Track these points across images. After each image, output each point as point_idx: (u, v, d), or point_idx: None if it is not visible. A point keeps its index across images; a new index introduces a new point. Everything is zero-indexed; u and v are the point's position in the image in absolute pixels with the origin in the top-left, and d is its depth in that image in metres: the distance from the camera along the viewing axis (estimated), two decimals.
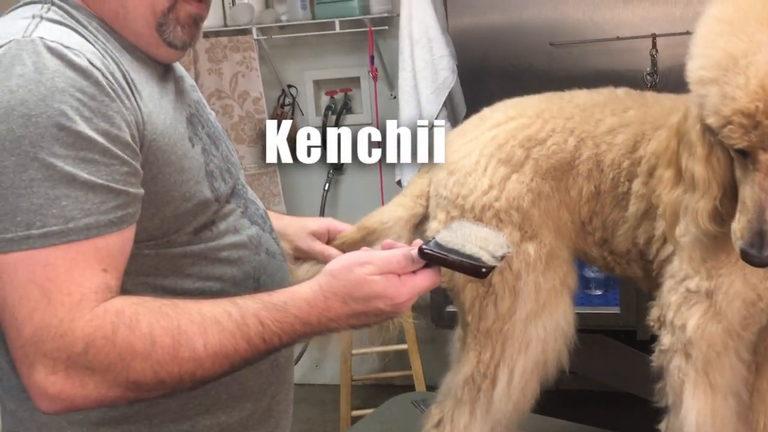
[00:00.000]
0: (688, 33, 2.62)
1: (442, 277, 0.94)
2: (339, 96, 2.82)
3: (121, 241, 0.84)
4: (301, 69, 2.83)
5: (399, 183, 2.33)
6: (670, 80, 2.51)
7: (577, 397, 2.26)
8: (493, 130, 1.19)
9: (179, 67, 1.09)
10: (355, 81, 2.79)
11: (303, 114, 2.87)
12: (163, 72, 1.00)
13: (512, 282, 1.16)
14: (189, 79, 1.10)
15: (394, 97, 2.48)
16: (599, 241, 1.21)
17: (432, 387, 1.61)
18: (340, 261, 0.91)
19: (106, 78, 0.84)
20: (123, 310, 0.81)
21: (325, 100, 2.85)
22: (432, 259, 0.88)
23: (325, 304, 0.88)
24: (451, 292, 1.25)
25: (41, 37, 0.82)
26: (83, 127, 0.80)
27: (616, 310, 2.16)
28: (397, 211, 1.23)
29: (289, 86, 2.83)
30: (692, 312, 1.06)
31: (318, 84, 2.85)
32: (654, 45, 2.40)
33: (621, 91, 1.25)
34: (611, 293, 2.25)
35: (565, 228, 1.19)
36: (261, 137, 2.85)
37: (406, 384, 2.56)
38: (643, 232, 1.14)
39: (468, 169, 1.16)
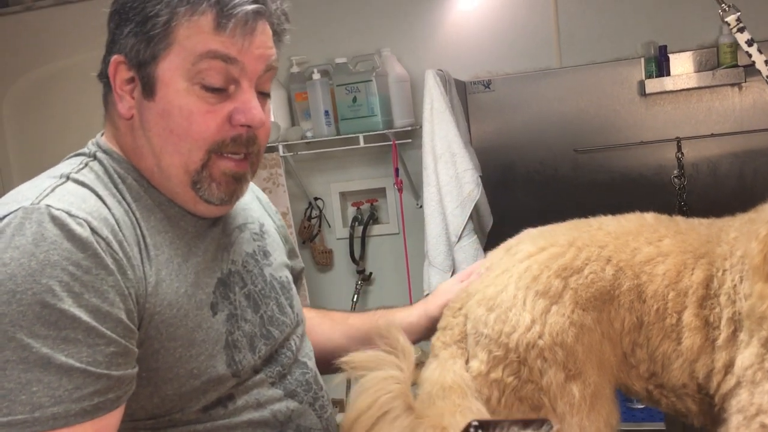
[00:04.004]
0: (712, 135, 2.62)
1: None
2: (365, 207, 2.83)
3: (94, 431, 0.78)
4: (327, 181, 2.86)
5: (427, 296, 2.29)
6: (698, 181, 2.51)
7: None
8: (525, 261, 1.15)
9: (246, 214, 1.05)
10: (381, 191, 2.81)
11: (330, 226, 2.88)
12: (207, 225, 0.96)
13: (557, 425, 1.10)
14: (256, 226, 1.06)
15: (420, 207, 2.49)
16: (645, 374, 1.15)
17: None
18: None
19: (110, 248, 0.82)
20: None
21: (351, 211, 2.87)
22: None
23: None
24: None
25: (48, 205, 0.81)
26: (69, 305, 0.76)
27: (661, 426, 2.07)
28: (456, 366, 1.17)
29: (316, 199, 2.86)
30: None
31: (344, 196, 2.87)
32: (679, 148, 2.41)
33: (650, 217, 1.22)
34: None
35: (608, 362, 1.13)
36: None
37: None
38: (702, 366, 1.08)
39: (507, 304, 1.12)
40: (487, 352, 1.11)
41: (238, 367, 0.91)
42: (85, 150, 0.95)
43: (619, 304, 1.12)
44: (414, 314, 1.23)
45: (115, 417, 0.80)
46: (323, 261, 2.88)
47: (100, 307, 0.78)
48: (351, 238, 2.81)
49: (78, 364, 0.76)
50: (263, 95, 0.96)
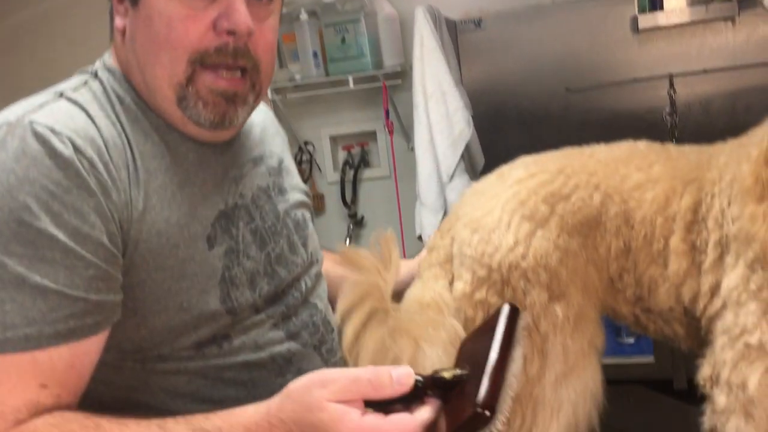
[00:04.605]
0: (704, 71, 2.61)
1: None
2: (356, 150, 2.82)
3: (71, 355, 0.75)
4: (316, 126, 2.84)
5: (420, 238, 2.30)
6: (690, 119, 2.49)
7: None
8: (514, 186, 1.16)
9: (265, 147, 0.99)
10: (372, 135, 2.78)
11: (321, 170, 2.86)
12: (214, 153, 0.90)
13: (540, 344, 1.12)
14: (274, 161, 0.99)
15: (412, 149, 2.47)
16: (631, 299, 1.16)
17: None
18: (303, 378, 0.74)
19: (94, 168, 0.78)
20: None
21: (342, 155, 2.85)
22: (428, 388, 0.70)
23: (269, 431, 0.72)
24: None
25: (32, 121, 0.77)
26: (46, 224, 0.73)
27: (650, 359, 2.10)
28: (437, 286, 1.17)
29: (306, 143, 2.84)
30: (753, 369, 1.00)
31: (334, 140, 2.85)
32: (671, 85, 2.39)
33: (642, 145, 1.22)
34: (644, 341, 2.18)
35: (593, 286, 1.15)
36: None
37: None
38: (688, 289, 1.10)
39: (491, 226, 1.13)
40: (471, 273, 1.13)
41: (234, 304, 0.87)
42: (90, 67, 0.91)
43: (605, 230, 1.13)
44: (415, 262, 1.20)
45: (94, 344, 0.78)
46: (314, 206, 2.86)
47: (79, 228, 0.75)
48: (342, 182, 2.80)
49: (53, 286, 0.73)
50: (262, 3, 0.87)
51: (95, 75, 0.89)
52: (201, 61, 0.83)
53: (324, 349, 0.97)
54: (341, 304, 0.90)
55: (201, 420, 0.75)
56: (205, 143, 0.90)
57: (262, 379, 0.90)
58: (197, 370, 0.86)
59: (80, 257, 0.75)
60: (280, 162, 1.04)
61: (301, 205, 1.05)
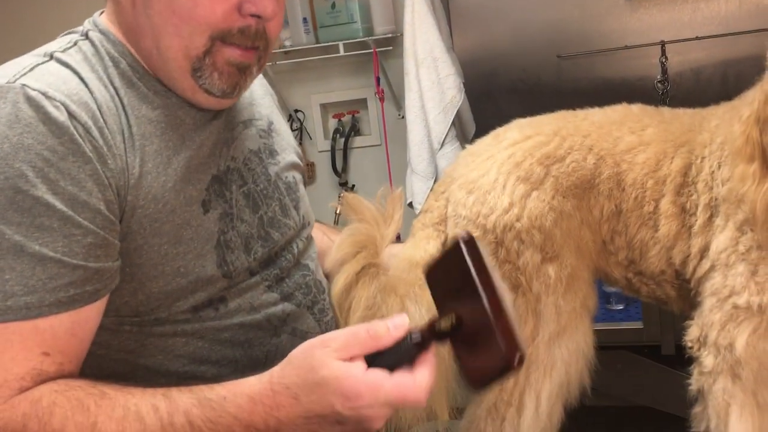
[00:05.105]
0: (697, 38, 2.60)
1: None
2: (347, 118, 2.80)
3: (71, 323, 0.75)
4: (307, 93, 2.81)
5: (410, 205, 2.30)
6: (681, 86, 2.49)
7: (601, 414, 2.20)
8: (509, 148, 1.17)
9: (254, 110, 0.99)
10: (362, 103, 2.76)
11: (311, 138, 2.85)
12: (206, 117, 0.90)
13: (533, 304, 1.13)
14: (264, 123, 0.99)
15: (402, 117, 2.46)
16: (624, 262, 1.17)
17: (458, 413, 1.57)
18: (304, 344, 0.74)
19: (89, 134, 0.77)
20: (41, 399, 0.72)
21: (333, 123, 2.83)
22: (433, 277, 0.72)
23: (273, 400, 0.71)
24: None
25: (24, 84, 0.76)
26: (43, 191, 0.73)
27: (638, 324, 2.12)
28: (428, 246, 1.17)
29: (296, 111, 2.82)
30: (741, 329, 1.01)
31: (325, 107, 2.83)
32: (663, 52, 2.38)
33: (636, 108, 1.22)
34: (633, 307, 2.20)
35: (586, 248, 1.16)
36: None
37: (430, 411, 2.51)
38: (678, 252, 1.10)
39: (487, 187, 1.13)
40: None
41: (230, 268, 0.88)
42: (81, 27, 0.89)
43: (598, 192, 1.13)
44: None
45: (94, 311, 0.78)
46: (305, 174, 2.87)
47: (76, 195, 0.75)
48: (333, 150, 2.79)
49: (52, 254, 0.73)
50: None
51: (85, 35, 0.87)
52: (222, 38, 0.84)
53: (316, 309, 0.98)
54: (336, 253, 0.91)
55: (205, 390, 0.75)
56: (203, 109, 0.90)
57: (257, 340, 0.90)
58: (194, 332, 0.86)
59: (78, 225, 0.75)
60: (270, 123, 1.03)
61: (292, 167, 1.05)
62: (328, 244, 1.14)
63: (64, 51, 0.84)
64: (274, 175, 0.98)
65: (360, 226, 0.93)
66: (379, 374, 0.70)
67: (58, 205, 0.73)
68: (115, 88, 0.83)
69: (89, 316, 0.77)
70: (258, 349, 0.88)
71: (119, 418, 0.72)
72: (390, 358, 0.71)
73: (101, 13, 0.91)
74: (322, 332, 0.92)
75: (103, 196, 0.77)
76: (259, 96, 1.05)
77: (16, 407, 0.72)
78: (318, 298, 0.99)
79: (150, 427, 0.72)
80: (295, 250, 0.99)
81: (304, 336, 0.91)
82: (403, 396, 0.69)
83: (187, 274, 0.84)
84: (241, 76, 0.87)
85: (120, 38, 0.87)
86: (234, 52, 0.85)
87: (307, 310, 0.96)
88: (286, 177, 1.01)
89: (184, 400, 0.74)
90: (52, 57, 0.82)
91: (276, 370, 0.73)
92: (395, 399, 0.69)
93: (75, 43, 0.85)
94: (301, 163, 1.10)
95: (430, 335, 0.71)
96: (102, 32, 0.87)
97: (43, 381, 0.74)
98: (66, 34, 0.89)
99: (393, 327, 0.71)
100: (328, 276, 1.02)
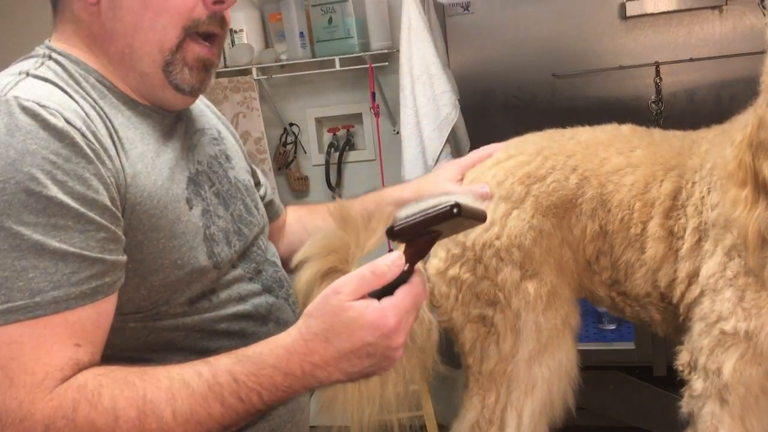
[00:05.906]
0: (691, 60, 2.61)
1: (442, 317, 0.85)
2: (341, 133, 2.80)
3: (96, 314, 0.79)
4: (302, 107, 2.82)
5: None
6: (675, 107, 2.50)
7: None
8: (493, 168, 1.18)
9: (203, 120, 1.06)
10: (357, 117, 2.77)
11: (306, 152, 2.85)
12: (171, 126, 0.96)
13: (513, 321, 1.13)
14: (214, 132, 1.07)
15: (397, 133, 2.46)
16: (608, 282, 1.17)
17: (444, 428, 1.57)
18: (315, 299, 0.81)
19: (85, 138, 0.81)
20: (86, 383, 0.76)
21: (327, 137, 2.83)
22: (404, 233, 0.79)
23: (306, 347, 0.77)
24: (451, 333, 1.21)
25: (16, 96, 0.79)
26: (55, 192, 0.76)
27: (630, 345, 2.11)
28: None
29: (291, 125, 2.82)
30: (728, 355, 1.01)
31: (320, 121, 2.83)
32: (657, 73, 2.39)
33: (626, 128, 1.22)
34: (625, 327, 2.19)
35: (568, 267, 1.16)
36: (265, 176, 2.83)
37: (417, 425, 2.50)
38: (664, 275, 1.10)
39: None
40: (445, 251, 1.15)
41: (218, 259, 0.93)
42: (37, 52, 0.92)
43: (581, 212, 1.13)
44: (407, 190, 1.24)
45: (111, 303, 0.82)
46: (299, 187, 2.87)
47: (85, 194, 0.78)
48: (327, 164, 2.79)
49: (72, 249, 0.76)
50: None
51: (49, 57, 0.90)
52: (194, 29, 0.91)
53: (290, 301, 1.04)
54: (305, 249, 0.95)
55: (242, 350, 0.80)
56: (166, 116, 0.96)
57: (249, 329, 0.96)
58: (193, 325, 0.91)
59: (91, 221, 0.78)
60: (219, 132, 1.10)
61: (246, 171, 1.12)
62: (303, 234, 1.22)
63: (37, 69, 0.87)
64: (233, 178, 1.05)
65: (337, 231, 0.95)
66: (391, 299, 0.78)
67: (71, 203, 0.77)
68: (93, 99, 0.88)
69: (108, 307, 0.81)
70: (251, 338, 0.91)
71: (167, 387, 0.76)
72: (390, 286, 0.80)
73: (49, 40, 0.95)
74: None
75: (107, 194, 0.81)
76: (201, 108, 1.11)
77: (62, 395, 0.74)
78: (289, 291, 1.06)
79: (198, 389, 0.76)
80: (263, 246, 1.06)
81: (285, 325, 0.93)
82: (415, 299, 0.79)
83: (183, 266, 0.89)
84: (206, 73, 0.95)
85: (81, 57, 0.91)
86: (202, 49, 0.92)
87: (284, 301, 1.02)
88: (244, 180, 1.08)
89: (223, 361, 0.79)
90: (28, 74, 0.86)
91: (300, 324, 0.79)
92: (412, 305, 0.79)
93: (42, 63, 0.89)
94: (251, 168, 1.17)
95: (413, 256, 0.80)
96: (61, 54, 0.91)
97: (81, 370, 0.77)
98: (25, 59, 0.92)
99: (392, 263, 0.78)
100: (292, 271, 1.06)
